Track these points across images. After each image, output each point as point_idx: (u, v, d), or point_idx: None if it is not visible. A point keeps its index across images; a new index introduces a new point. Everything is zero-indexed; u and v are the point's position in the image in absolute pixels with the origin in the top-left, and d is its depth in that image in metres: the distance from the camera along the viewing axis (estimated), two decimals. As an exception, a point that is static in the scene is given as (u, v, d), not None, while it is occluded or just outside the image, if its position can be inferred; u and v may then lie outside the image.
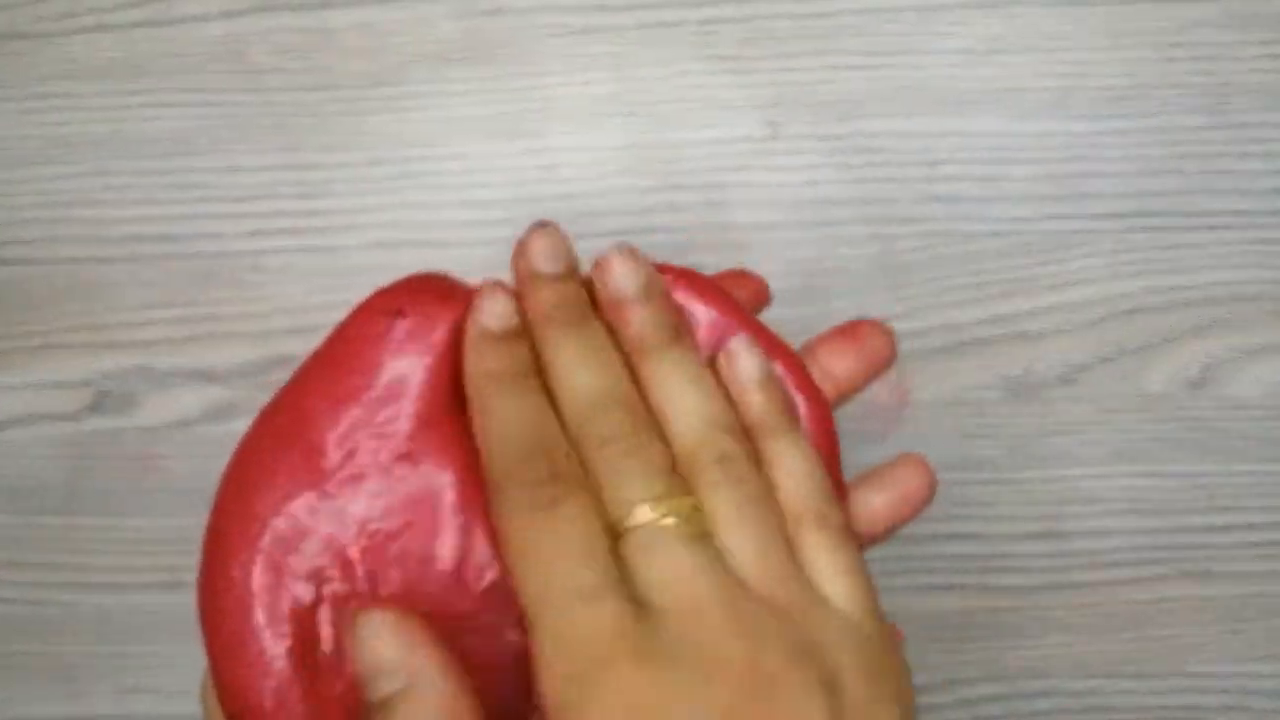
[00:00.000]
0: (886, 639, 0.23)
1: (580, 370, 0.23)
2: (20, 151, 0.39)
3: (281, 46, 0.39)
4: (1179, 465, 0.39)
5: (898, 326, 0.38)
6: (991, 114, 0.38)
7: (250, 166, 0.38)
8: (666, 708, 0.20)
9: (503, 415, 0.23)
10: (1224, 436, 0.39)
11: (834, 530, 0.23)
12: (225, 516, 0.23)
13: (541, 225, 0.25)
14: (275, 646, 0.22)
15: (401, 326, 0.24)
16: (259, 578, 0.22)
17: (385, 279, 0.39)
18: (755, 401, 0.25)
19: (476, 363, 0.24)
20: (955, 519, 0.39)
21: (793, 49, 0.38)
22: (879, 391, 0.38)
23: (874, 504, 0.26)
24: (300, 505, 0.23)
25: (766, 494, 0.23)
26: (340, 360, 0.24)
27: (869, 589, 0.23)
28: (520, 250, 0.25)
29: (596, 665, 0.20)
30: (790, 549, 0.23)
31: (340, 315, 0.38)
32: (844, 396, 0.27)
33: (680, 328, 0.25)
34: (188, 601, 0.38)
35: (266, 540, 0.22)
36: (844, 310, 0.38)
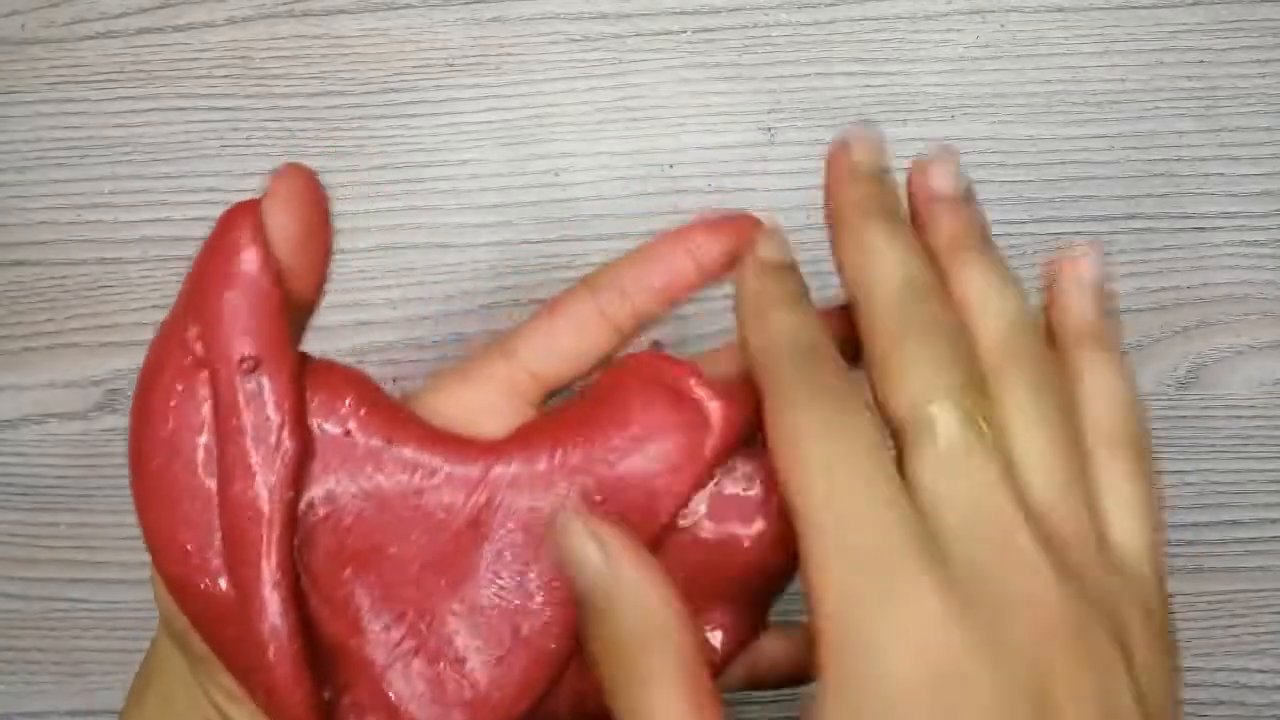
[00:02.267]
0: (1166, 596, 0.21)
1: (890, 256, 0.22)
2: (33, 155, 0.39)
3: (288, 53, 0.39)
4: (1168, 464, 0.39)
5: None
6: (982, 119, 0.38)
7: (258, 171, 0.39)
8: (966, 647, 0.18)
9: (778, 328, 0.22)
10: (1213, 435, 0.39)
11: (1140, 459, 0.21)
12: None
13: (864, 126, 0.24)
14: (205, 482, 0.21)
15: None
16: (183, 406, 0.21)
17: (391, 282, 0.39)
18: (1078, 309, 0.23)
19: (756, 288, 0.23)
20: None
21: (789, 57, 0.39)
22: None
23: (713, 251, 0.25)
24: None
25: (1072, 407, 0.21)
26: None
27: (1159, 534, 0.21)
28: (839, 145, 0.24)
29: (887, 579, 0.18)
30: (1089, 473, 0.21)
31: (341, 316, 0.38)
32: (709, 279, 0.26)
33: (990, 236, 0.23)
34: (198, 596, 0.38)
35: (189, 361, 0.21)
36: (840, 311, 0.38)
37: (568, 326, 0.24)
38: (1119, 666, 0.19)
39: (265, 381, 0.21)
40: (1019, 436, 0.20)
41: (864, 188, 0.23)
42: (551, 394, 0.25)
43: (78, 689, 0.40)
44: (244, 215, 0.22)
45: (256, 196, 0.22)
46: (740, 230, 0.25)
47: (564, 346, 0.24)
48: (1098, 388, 0.22)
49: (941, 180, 0.23)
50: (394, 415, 0.22)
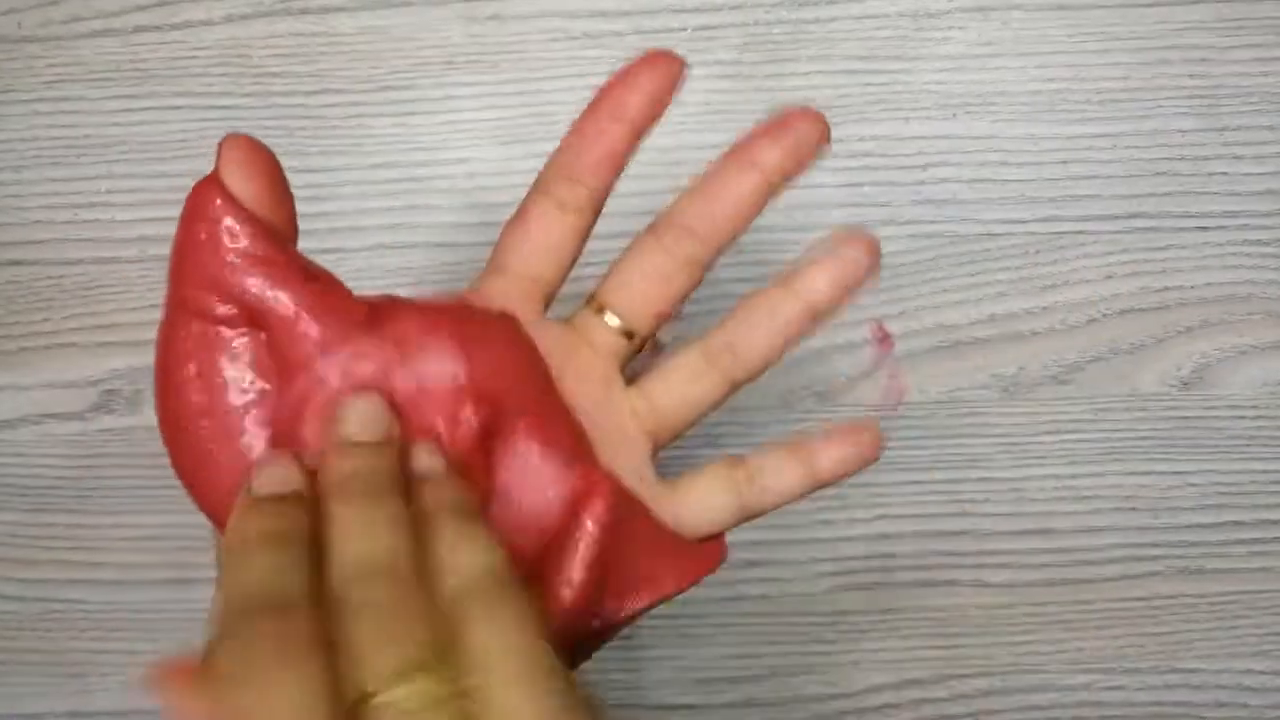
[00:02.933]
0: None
1: (354, 539, 0.21)
2: (29, 154, 0.39)
3: (285, 51, 0.39)
4: (1171, 464, 0.39)
5: (893, 327, 0.39)
6: (985, 118, 0.38)
7: (256, 169, 0.39)
8: None
9: (246, 574, 0.20)
10: (1215, 435, 0.39)
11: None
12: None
13: (359, 399, 0.23)
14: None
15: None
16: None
17: (390, 281, 0.39)
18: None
19: (236, 525, 0.22)
20: (950, 516, 0.39)
21: (789, 54, 0.38)
22: (874, 391, 0.39)
23: (819, 285, 0.26)
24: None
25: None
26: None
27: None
28: (335, 414, 0.23)
29: None
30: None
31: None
32: (774, 189, 0.26)
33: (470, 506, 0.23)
34: (196, 598, 0.38)
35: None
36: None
37: (538, 228, 0.26)
38: None
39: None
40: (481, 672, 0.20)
41: (350, 462, 0.22)
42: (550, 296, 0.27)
43: (75, 690, 0.40)
44: (211, 186, 0.24)
45: (211, 171, 0.24)
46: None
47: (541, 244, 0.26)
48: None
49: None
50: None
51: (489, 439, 0.24)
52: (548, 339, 0.26)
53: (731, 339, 0.27)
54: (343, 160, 0.39)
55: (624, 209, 0.39)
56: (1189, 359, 0.39)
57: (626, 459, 0.26)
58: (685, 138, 0.39)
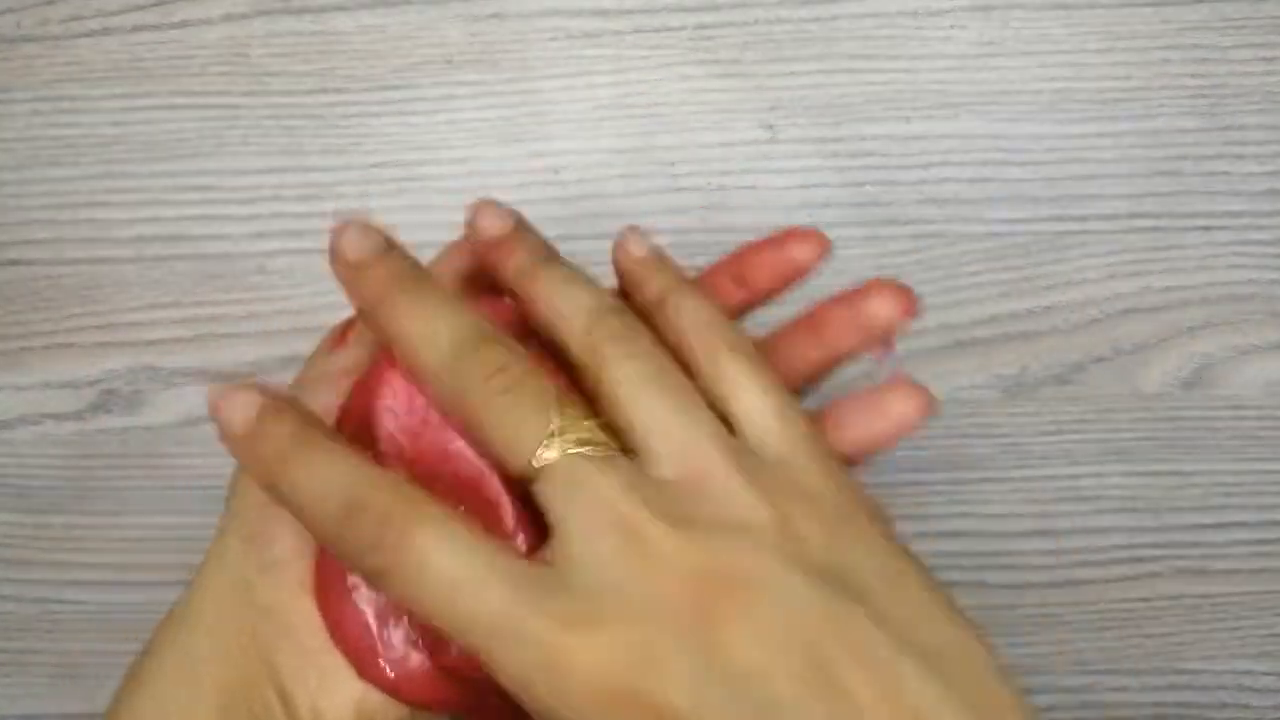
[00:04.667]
0: (832, 470, 0.22)
1: (430, 323, 0.22)
2: (28, 154, 0.39)
3: (284, 49, 0.39)
4: (1173, 464, 0.39)
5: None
6: (987, 117, 0.38)
7: (255, 169, 0.39)
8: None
9: (310, 476, 0.20)
10: (1218, 436, 0.39)
11: (747, 359, 0.23)
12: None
13: (342, 223, 0.23)
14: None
15: None
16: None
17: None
18: (638, 269, 0.25)
19: (251, 452, 0.21)
20: (951, 517, 0.39)
21: (790, 53, 0.38)
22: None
23: (856, 428, 0.25)
24: None
25: (669, 362, 0.22)
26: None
27: (797, 416, 0.22)
28: (332, 253, 0.23)
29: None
30: (709, 393, 0.22)
31: (339, 315, 0.38)
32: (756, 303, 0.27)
33: (555, 251, 0.25)
34: (194, 598, 0.38)
35: None
36: (842, 311, 0.38)
37: None
38: (787, 570, 0.19)
39: None
40: (630, 408, 0.21)
41: (374, 271, 0.23)
42: None
43: (73, 691, 0.40)
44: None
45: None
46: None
47: None
48: (683, 320, 0.23)
49: (489, 224, 0.25)
50: None
51: None
52: None
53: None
54: (342, 159, 0.39)
55: (624, 209, 0.39)
56: (1192, 359, 0.39)
57: None
58: (686, 137, 0.39)
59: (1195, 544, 0.39)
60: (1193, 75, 0.38)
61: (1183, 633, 0.39)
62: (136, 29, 0.39)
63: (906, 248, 0.38)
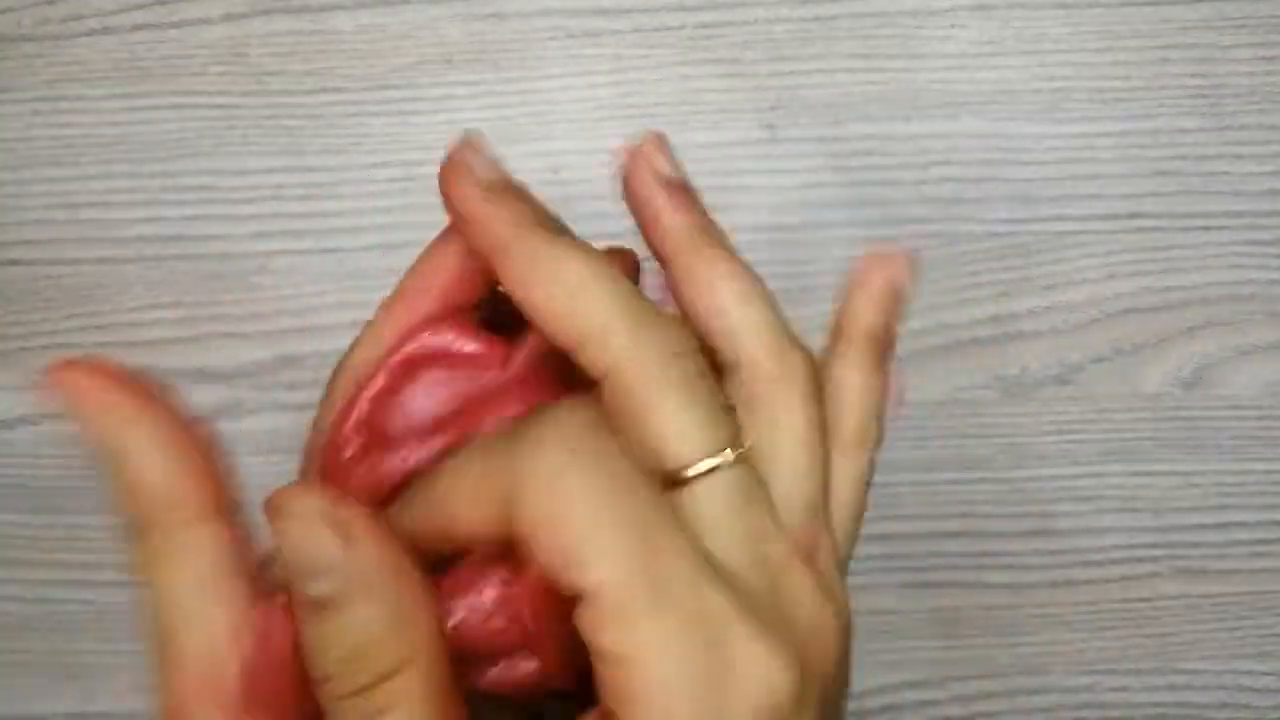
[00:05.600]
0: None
1: (592, 285, 0.19)
2: (27, 154, 0.39)
3: (284, 49, 0.39)
4: (1173, 464, 0.39)
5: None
6: (986, 117, 0.38)
7: (254, 169, 0.39)
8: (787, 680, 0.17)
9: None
10: (1217, 435, 0.39)
11: (866, 460, 0.21)
12: None
13: (460, 146, 0.20)
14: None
15: None
16: None
17: (389, 281, 0.39)
18: (859, 313, 0.22)
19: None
20: (951, 517, 0.39)
21: (790, 53, 0.38)
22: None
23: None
24: None
25: (823, 424, 0.20)
26: None
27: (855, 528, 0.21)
28: (451, 167, 0.21)
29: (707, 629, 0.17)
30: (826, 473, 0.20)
31: (339, 315, 0.38)
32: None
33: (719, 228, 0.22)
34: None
35: None
36: (841, 311, 0.38)
37: None
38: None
39: None
40: (779, 456, 0.20)
41: (511, 204, 0.20)
42: None
43: (75, 690, 0.40)
44: None
45: None
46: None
47: None
48: (848, 392, 0.22)
49: (659, 167, 0.22)
50: None
51: None
52: None
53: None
54: (342, 159, 0.39)
55: (621, 209, 0.39)
56: (1191, 359, 0.39)
57: None
58: (685, 137, 0.39)
59: (1195, 544, 0.39)
60: (1192, 75, 0.38)
61: (1182, 633, 0.39)
62: (136, 28, 0.39)
63: (905, 247, 0.38)
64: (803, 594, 0.19)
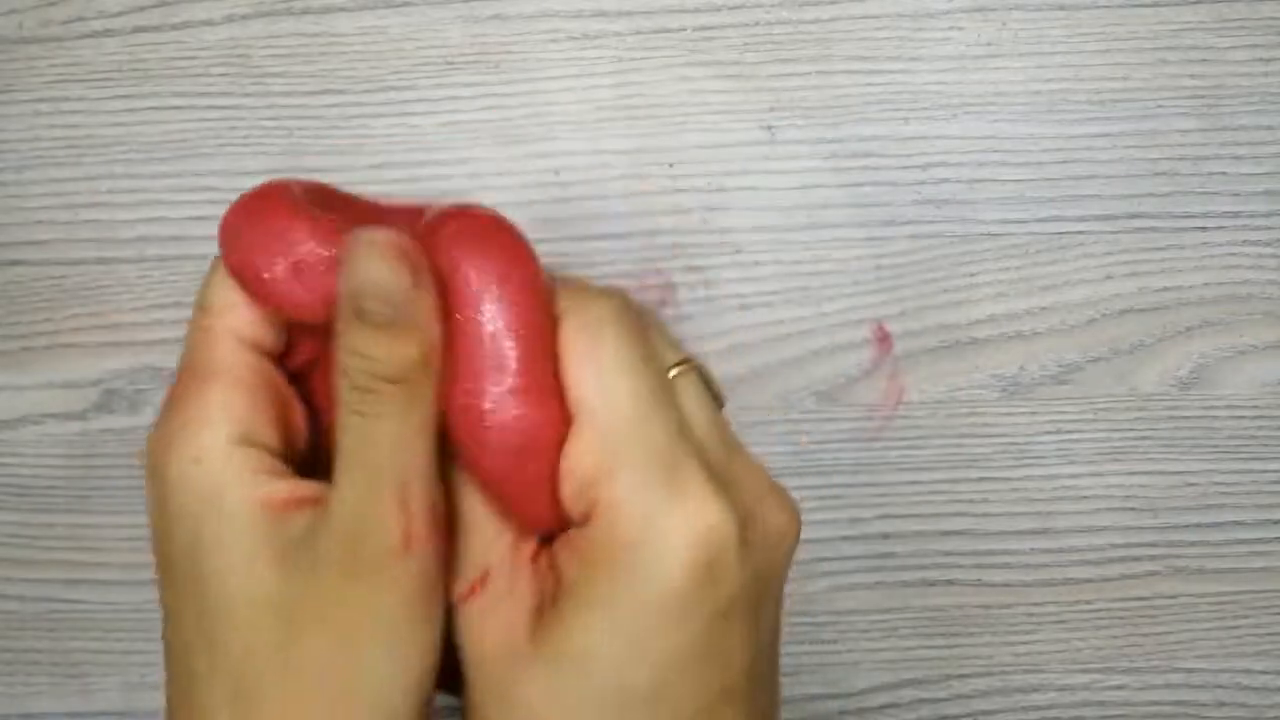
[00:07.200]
0: None
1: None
2: (30, 154, 0.39)
3: (286, 51, 0.39)
4: (1171, 464, 0.39)
5: (893, 327, 0.39)
6: (985, 118, 0.38)
7: (256, 170, 0.39)
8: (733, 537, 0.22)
9: None
10: (1215, 435, 0.39)
11: None
12: None
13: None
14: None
15: None
16: None
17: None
18: None
19: None
20: (949, 516, 0.39)
21: (790, 54, 0.38)
22: (874, 391, 0.39)
23: None
24: None
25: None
26: None
27: None
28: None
29: (678, 476, 0.22)
30: None
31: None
32: None
33: None
34: (196, 597, 0.38)
35: None
36: (839, 311, 0.38)
37: None
38: None
39: None
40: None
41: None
42: None
43: (75, 690, 0.40)
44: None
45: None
46: None
47: None
48: None
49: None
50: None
51: None
52: None
53: None
54: (343, 160, 0.39)
55: (624, 210, 0.39)
56: (1189, 359, 0.39)
57: None
58: (684, 138, 0.39)
59: (1193, 543, 0.39)
60: (1191, 76, 0.38)
61: (1180, 632, 0.39)
62: (138, 30, 0.39)
63: (905, 248, 0.39)
64: (751, 475, 0.23)
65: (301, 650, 0.20)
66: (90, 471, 0.39)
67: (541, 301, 0.22)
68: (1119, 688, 0.39)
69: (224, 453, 0.22)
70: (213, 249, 0.26)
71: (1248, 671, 0.39)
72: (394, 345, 0.20)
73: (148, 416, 0.39)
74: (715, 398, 0.24)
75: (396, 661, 0.21)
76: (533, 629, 0.21)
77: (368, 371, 0.20)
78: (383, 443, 0.20)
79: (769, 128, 0.39)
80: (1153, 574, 0.39)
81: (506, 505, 0.22)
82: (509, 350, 0.21)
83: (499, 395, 0.21)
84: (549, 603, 0.21)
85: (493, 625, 0.22)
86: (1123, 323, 0.39)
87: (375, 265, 0.20)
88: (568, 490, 0.22)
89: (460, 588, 0.22)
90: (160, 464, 0.22)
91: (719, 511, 0.21)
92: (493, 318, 0.21)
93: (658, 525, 0.20)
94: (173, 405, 0.23)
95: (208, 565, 0.21)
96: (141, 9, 0.39)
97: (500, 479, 0.22)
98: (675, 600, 0.20)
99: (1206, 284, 0.39)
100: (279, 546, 0.21)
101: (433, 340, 0.21)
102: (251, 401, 0.22)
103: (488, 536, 0.22)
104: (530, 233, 0.40)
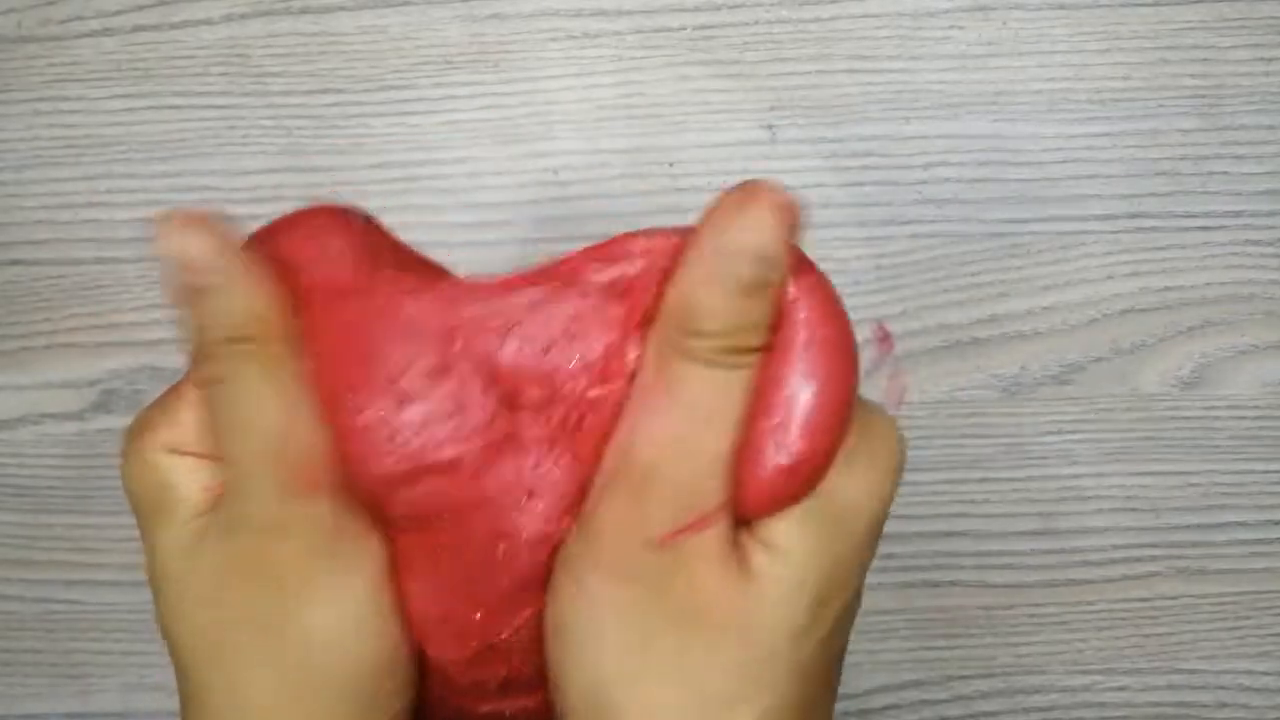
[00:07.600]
0: None
1: None
2: (29, 154, 0.39)
3: (285, 50, 0.39)
4: (1172, 464, 0.39)
5: (894, 327, 0.39)
6: (985, 117, 0.38)
7: (255, 169, 0.39)
8: None
9: None
10: (1216, 436, 0.39)
11: None
12: None
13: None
14: None
15: None
16: None
17: (389, 280, 0.39)
18: None
19: None
20: (951, 517, 0.39)
21: (790, 54, 0.38)
22: (874, 391, 0.39)
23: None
24: None
25: None
26: None
27: None
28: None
29: None
30: None
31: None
32: None
33: None
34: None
35: None
36: (841, 311, 0.38)
37: None
38: None
39: None
40: None
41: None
42: None
43: (74, 691, 0.40)
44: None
45: None
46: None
47: None
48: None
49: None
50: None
51: None
52: None
53: None
54: (342, 160, 0.39)
55: (624, 210, 0.39)
56: (1190, 359, 0.39)
57: None
58: (684, 137, 0.39)
59: (1194, 544, 0.39)
60: (1191, 76, 0.38)
61: (1182, 633, 0.39)
62: (137, 29, 0.39)
63: (906, 248, 0.39)
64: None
65: (234, 606, 0.22)
66: (89, 472, 0.39)
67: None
68: (1121, 689, 0.39)
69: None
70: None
71: (1250, 672, 0.39)
72: (221, 306, 0.21)
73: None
74: None
75: (328, 613, 0.21)
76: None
77: (206, 340, 0.21)
78: (240, 404, 0.21)
79: (769, 127, 0.39)
80: (1154, 575, 0.39)
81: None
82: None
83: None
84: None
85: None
86: (1124, 323, 0.39)
87: (184, 241, 0.21)
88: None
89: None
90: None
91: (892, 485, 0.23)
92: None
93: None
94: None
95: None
96: (140, 8, 0.39)
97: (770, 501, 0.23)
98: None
99: (1208, 284, 0.39)
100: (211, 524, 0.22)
101: (263, 300, 0.22)
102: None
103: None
104: (529, 232, 0.40)
